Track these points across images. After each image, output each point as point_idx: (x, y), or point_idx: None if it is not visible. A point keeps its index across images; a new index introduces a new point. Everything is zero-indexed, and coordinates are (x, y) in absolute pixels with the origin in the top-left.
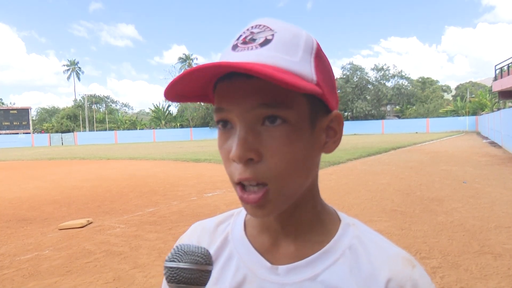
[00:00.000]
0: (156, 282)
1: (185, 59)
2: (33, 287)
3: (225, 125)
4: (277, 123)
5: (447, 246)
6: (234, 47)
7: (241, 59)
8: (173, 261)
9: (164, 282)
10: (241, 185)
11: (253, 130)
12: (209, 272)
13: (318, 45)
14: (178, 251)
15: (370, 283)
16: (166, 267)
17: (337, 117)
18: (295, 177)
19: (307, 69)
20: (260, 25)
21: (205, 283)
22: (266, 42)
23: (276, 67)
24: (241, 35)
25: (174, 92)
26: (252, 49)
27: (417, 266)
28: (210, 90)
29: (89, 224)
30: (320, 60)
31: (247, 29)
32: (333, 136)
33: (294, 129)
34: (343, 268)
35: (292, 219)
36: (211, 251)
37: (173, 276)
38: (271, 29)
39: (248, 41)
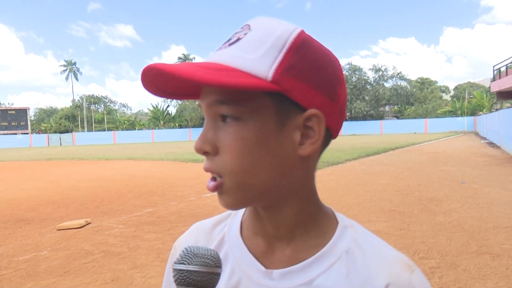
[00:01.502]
0: (154, 282)
1: (184, 59)
2: None
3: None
4: (228, 120)
5: (445, 246)
6: (218, 48)
7: (210, 59)
8: (183, 263)
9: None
10: (212, 176)
11: (214, 125)
12: (218, 275)
13: (297, 39)
14: (188, 253)
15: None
16: (175, 270)
17: (314, 116)
18: (253, 174)
19: (265, 66)
20: (245, 25)
21: (214, 286)
22: (236, 41)
23: (224, 66)
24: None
25: (165, 91)
26: (222, 49)
27: (416, 271)
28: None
29: (87, 224)
30: (297, 55)
31: (236, 30)
32: (312, 137)
33: (247, 127)
34: (339, 273)
35: (283, 221)
36: None
37: (182, 278)
38: (249, 28)
39: (226, 41)
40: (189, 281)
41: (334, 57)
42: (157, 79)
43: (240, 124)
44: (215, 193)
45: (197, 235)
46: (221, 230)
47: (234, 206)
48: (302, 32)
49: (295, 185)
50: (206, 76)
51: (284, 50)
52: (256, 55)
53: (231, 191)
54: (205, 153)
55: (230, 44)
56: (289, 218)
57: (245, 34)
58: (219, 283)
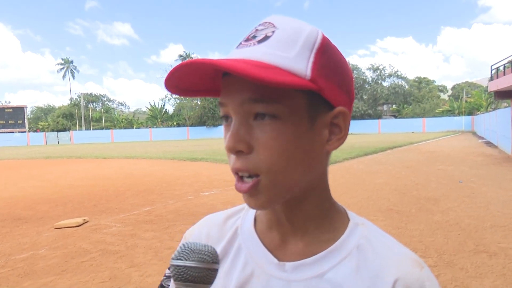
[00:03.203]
0: (152, 281)
1: (185, 57)
2: (28, 287)
3: (226, 119)
4: (265, 118)
5: (442, 245)
6: (239, 44)
7: (238, 55)
8: (180, 259)
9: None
10: (238, 175)
11: (245, 124)
12: (215, 271)
13: (323, 40)
14: (185, 249)
15: (377, 282)
16: (172, 265)
17: (341, 113)
18: (289, 171)
19: (302, 65)
20: (266, 23)
21: (211, 282)
22: (265, 39)
23: (263, 63)
24: (248, 33)
25: (178, 86)
26: (250, 46)
27: (425, 268)
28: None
29: (85, 223)
30: (324, 55)
31: (255, 27)
32: (338, 133)
33: (286, 124)
34: (350, 267)
35: (299, 215)
36: (221, 245)
37: (179, 274)
38: (274, 26)
39: (250, 38)
40: (186, 276)
41: (344, 58)
42: (180, 77)
43: (277, 122)
44: (213, 192)
45: (210, 227)
46: (234, 223)
47: (266, 206)
48: (323, 34)
49: (316, 180)
50: (262, 74)
51: (314, 50)
52: (292, 54)
53: (266, 190)
54: (237, 152)
55: (259, 42)
56: (306, 212)
57: (273, 32)
58: (232, 274)
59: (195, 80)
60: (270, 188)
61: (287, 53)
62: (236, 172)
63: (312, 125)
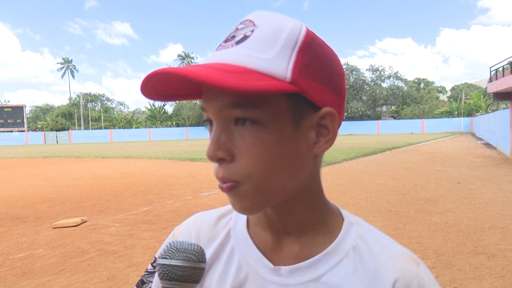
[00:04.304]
0: None
1: (184, 57)
2: (26, 286)
3: (211, 123)
4: (246, 124)
5: (441, 246)
6: (218, 46)
7: (215, 59)
8: (166, 258)
9: (156, 278)
10: None
11: (226, 130)
12: (202, 270)
13: (307, 36)
14: (171, 247)
15: (375, 283)
16: (158, 264)
17: (329, 114)
18: (272, 177)
19: (281, 66)
20: (246, 21)
21: (198, 281)
22: (243, 39)
23: (239, 67)
24: (228, 33)
25: (160, 93)
26: (228, 47)
27: (421, 264)
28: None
29: (83, 222)
30: (308, 53)
31: (235, 26)
32: (326, 135)
33: (267, 129)
34: (347, 269)
35: (292, 218)
36: (213, 246)
37: (165, 273)
38: (254, 24)
39: (229, 39)
40: (172, 275)
41: (334, 52)
42: (157, 84)
43: (258, 127)
44: (212, 192)
45: (200, 227)
46: (226, 224)
47: (250, 211)
48: (308, 29)
49: (306, 182)
50: (231, 82)
51: (296, 49)
52: (271, 55)
53: (248, 195)
54: (219, 160)
55: (237, 42)
56: (298, 215)
57: (252, 31)
58: (226, 278)
59: (178, 86)
60: (252, 193)
61: (266, 54)
62: (218, 180)
63: (296, 128)
